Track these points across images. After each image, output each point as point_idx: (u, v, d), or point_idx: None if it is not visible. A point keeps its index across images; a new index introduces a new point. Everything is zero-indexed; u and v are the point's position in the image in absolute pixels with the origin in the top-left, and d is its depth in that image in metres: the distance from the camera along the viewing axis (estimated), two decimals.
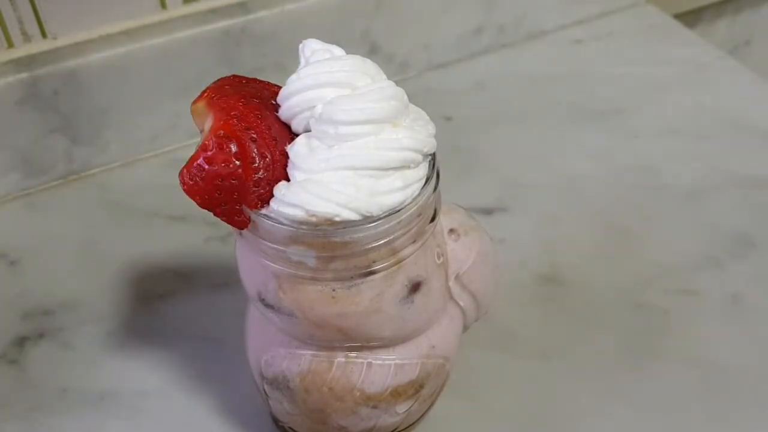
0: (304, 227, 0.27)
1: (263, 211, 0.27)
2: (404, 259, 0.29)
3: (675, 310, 0.44)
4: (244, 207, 0.28)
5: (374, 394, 0.32)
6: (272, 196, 0.27)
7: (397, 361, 0.32)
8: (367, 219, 0.27)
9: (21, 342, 0.43)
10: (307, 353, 0.32)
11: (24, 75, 0.47)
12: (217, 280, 0.46)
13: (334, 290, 0.29)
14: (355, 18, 0.56)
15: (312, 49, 0.29)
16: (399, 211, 0.27)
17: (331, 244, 0.27)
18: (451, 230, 0.34)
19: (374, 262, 0.28)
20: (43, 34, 0.48)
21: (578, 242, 0.48)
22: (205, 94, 0.28)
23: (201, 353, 0.42)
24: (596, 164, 0.54)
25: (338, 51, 0.29)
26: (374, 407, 0.33)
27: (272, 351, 0.33)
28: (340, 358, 0.32)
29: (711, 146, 0.55)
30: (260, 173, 0.27)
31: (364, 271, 0.29)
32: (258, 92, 0.28)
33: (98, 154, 0.53)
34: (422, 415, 0.37)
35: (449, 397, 0.38)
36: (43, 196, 0.52)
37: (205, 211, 0.28)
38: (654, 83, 0.61)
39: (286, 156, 0.27)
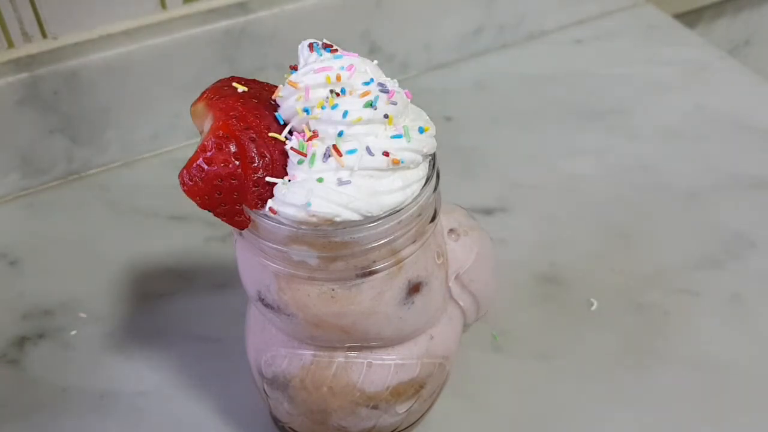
0: (304, 227, 0.27)
1: (263, 210, 0.27)
2: (404, 259, 0.29)
3: (675, 310, 0.44)
4: (244, 207, 0.28)
5: (374, 394, 0.32)
6: (272, 195, 0.27)
7: (398, 361, 0.32)
8: (368, 219, 0.27)
9: (21, 342, 0.43)
10: (307, 353, 0.32)
11: (24, 75, 0.47)
12: (217, 280, 0.46)
13: (333, 290, 0.29)
14: (355, 18, 0.56)
15: (311, 48, 0.29)
16: (399, 211, 0.27)
17: (331, 244, 0.27)
18: (451, 230, 0.34)
19: (374, 262, 0.28)
20: (43, 34, 0.48)
21: (578, 242, 0.48)
22: (204, 96, 0.28)
23: (201, 353, 0.42)
24: (596, 164, 0.54)
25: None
26: (374, 407, 0.33)
27: (272, 351, 0.33)
28: (340, 358, 0.32)
29: (711, 146, 0.55)
30: (260, 173, 0.27)
31: (365, 271, 0.29)
32: (257, 92, 0.28)
33: (98, 154, 0.53)
34: (422, 415, 0.37)
35: (449, 397, 0.38)
36: (43, 196, 0.52)
37: (206, 211, 0.28)
38: (654, 83, 0.61)
39: (285, 155, 0.27)
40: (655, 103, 0.59)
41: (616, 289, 0.45)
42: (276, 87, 0.29)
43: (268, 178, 0.27)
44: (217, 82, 0.29)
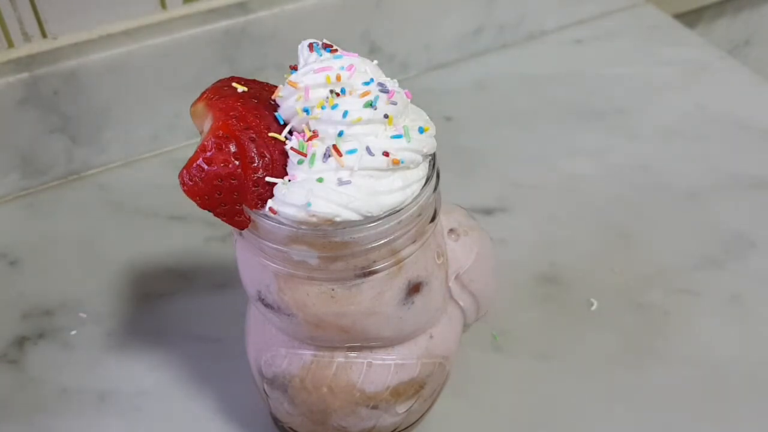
0: (304, 227, 0.27)
1: (263, 210, 0.27)
2: (404, 259, 0.29)
3: (675, 310, 0.44)
4: (244, 207, 0.28)
5: (374, 394, 0.32)
6: (272, 195, 0.27)
7: (398, 361, 0.32)
8: (368, 219, 0.27)
9: (21, 342, 0.43)
10: (307, 353, 0.32)
11: (24, 75, 0.47)
12: (217, 280, 0.46)
13: (333, 290, 0.29)
14: (355, 18, 0.56)
15: (311, 48, 0.29)
16: (399, 211, 0.27)
17: (331, 244, 0.27)
18: (451, 230, 0.34)
19: (374, 262, 0.28)
20: (43, 34, 0.48)
21: (578, 242, 0.48)
22: (204, 96, 0.28)
23: (201, 353, 0.42)
24: (596, 164, 0.54)
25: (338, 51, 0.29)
26: (374, 407, 0.33)
27: (272, 351, 0.33)
28: (340, 358, 0.32)
29: (711, 146, 0.55)
30: (260, 173, 0.27)
31: (365, 271, 0.29)
32: (257, 92, 0.28)
33: (98, 154, 0.53)
34: (422, 415, 0.37)
35: (449, 397, 0.38)
36: (43, 196, 0.52)
37: (205, 211, 0.28)
38: (654, 83, 0.61)
39: (285, 155, 0.27)
40: (655, 103, 0.59)
41: (616, 289, 0.45)
42: (276, 87, 0.29)
43: (268, 178, 0.27)
44: (217, 82, 0.29)
